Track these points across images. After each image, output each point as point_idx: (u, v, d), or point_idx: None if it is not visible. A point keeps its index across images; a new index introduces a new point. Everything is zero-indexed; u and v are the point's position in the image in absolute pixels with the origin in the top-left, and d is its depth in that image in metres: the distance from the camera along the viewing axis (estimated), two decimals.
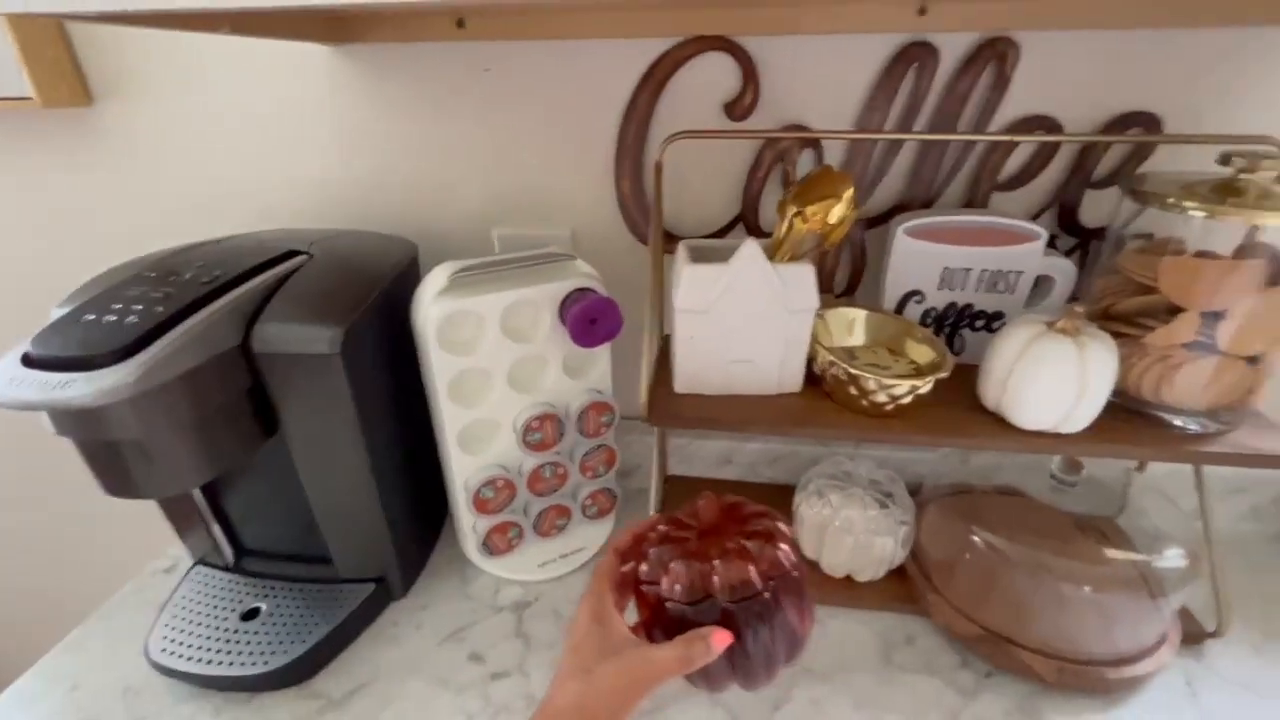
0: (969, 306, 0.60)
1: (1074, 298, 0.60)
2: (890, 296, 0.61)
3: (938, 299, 0.60)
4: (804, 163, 0.64)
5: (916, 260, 0.59)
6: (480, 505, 0.61)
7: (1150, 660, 0.55)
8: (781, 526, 0.41)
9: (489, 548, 0.65)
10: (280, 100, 0.69)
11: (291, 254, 0.56)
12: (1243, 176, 0.47)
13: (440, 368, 0.56)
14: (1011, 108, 0.59)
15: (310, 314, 0.50)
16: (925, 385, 0.51)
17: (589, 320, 0.57)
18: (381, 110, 0.68)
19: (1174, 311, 0.49)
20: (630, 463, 0.79)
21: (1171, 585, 0.55)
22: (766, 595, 0.37)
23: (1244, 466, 0.51)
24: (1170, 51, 0.56)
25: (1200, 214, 0.46)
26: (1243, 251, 0.48)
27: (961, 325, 0.61)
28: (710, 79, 0.62)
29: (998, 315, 0.60)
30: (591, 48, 0.62)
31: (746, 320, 0.54)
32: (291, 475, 0.56)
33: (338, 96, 0.68)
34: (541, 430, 0.61)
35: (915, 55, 0.58)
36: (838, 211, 0.52)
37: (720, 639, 0.36)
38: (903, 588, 0.64)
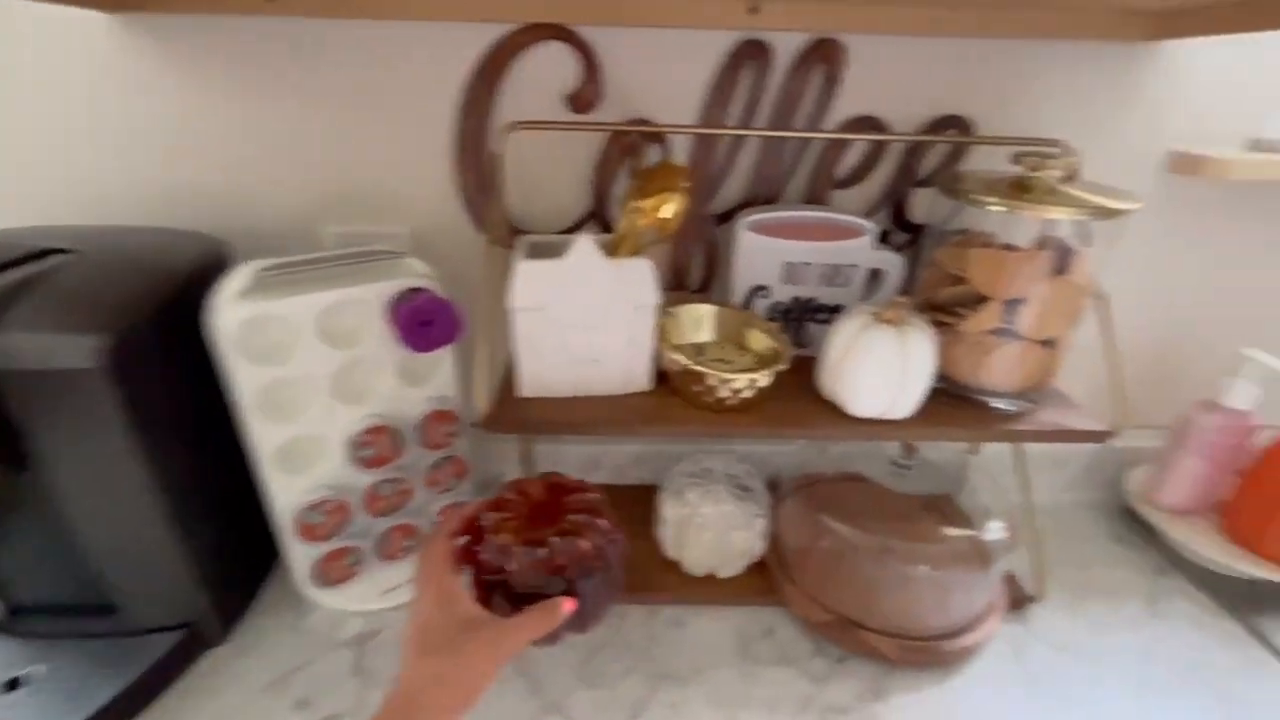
0: (812, 300, 0.62)
1: (906, 290, 0.63)
2: (738, 291, 0.62)
3: (783, 293, 0.61)
4: (652, 158, 0.63)
5: (760, 255, 0.59)
6: (307, 531, 0.55)
7: (980, 630, 0.58)
8: (596, 496, 0.48)
9: (322, 577, 0.58)
10: (51, 77, 0.59)
11: (48, 253, 0.47)
12: (1032, 175, 0.50)
13: (244, 380, 0.49)
14: (843, 108, 0.62)
15: (65, 321, 0.43)
16: (763, 378, 0.51)
17: (421, 322, 0.52)
18: (181, 93, 0.59)
19: (982, 301, 0.52)
20: (495, 471, 0.75)
21: (996, 555, 0.58)
22: (599, 562, 0.43)
23: (1048, 441, 0.55)
24: (978, 59, 0.60)
25: (999, 209, 0.49)
26: (1038, 244, 0.52)
27: (806, 318, 0.63)
28: (551, 69, 0.59)
29: (838, 308, 0.62)
30: (422, 31, 0.57)
31: (587, 318, 0.52)
32: (62, 516, 0.48)
33: (123, 75, 0.59)
34: (375, 444, 0.55)
35: (751, 53, 0.59)
36: (673, 205, 0.51)
37: (568, 605, 0.41)
38: (763, 580, 0.64)
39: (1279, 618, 0.63)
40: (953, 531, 0.61)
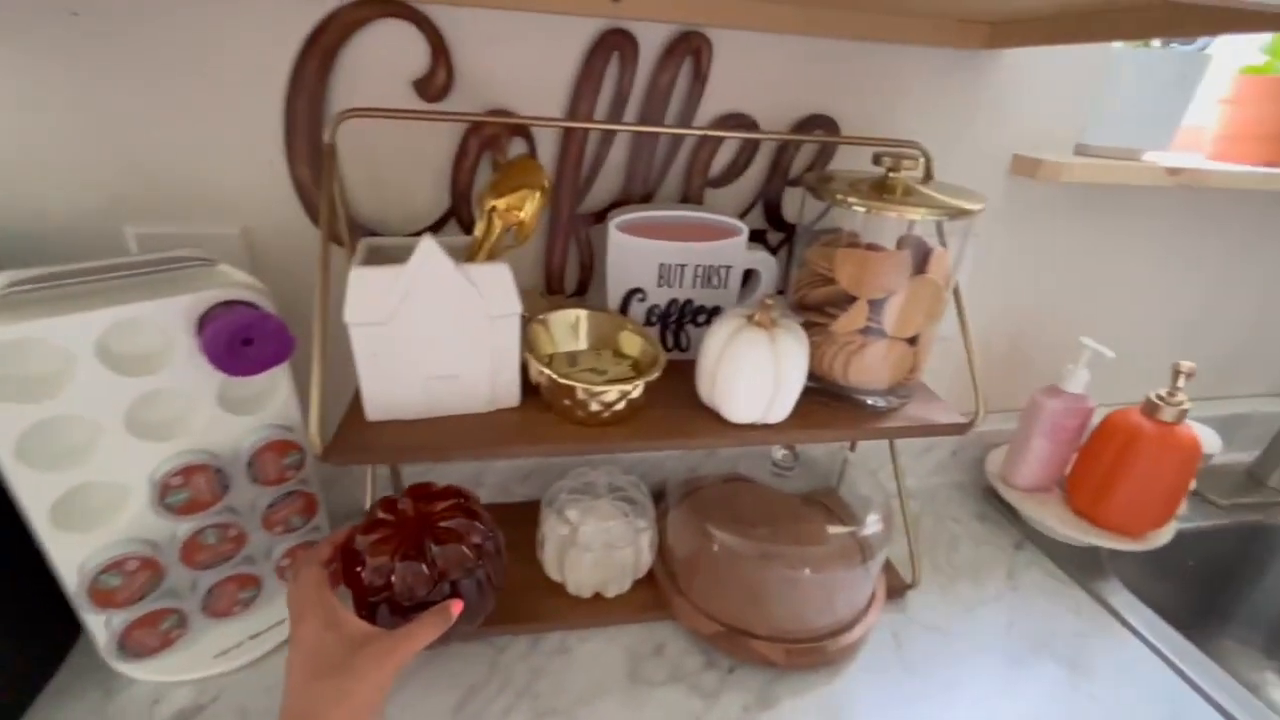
0: (689, 302, 0.60)
1: (781, 290, 0.63)
2: (613, 295, 0.58)
3: (659, 296, 0.59)
4: (516, 152, 0.59)
5: (632, 257, 0.56)
6: (102, 598, 0.46)
7: (862, 624, 0.59)
8: (468, 497, 0.49)
9: (130, 649, 0.49)
10: None
11: None
12: (891, 175, 0.51)
13: None
14: (713, 105, 0.60)
15: None
16: (635, 390, 0.48)
17: (240, 341, 0.45)
18: None
19: (851, 300, 0.52)
20: (357, 500, 0.67)
21: (875, 548, 0.59)
22: (479, 561, 0.45)
23: (916, 436, 0.56)
24: (842, 60, 0.61)
25: (862, 209, 0.49)
26: (900, 243, 0.52)
27: (685, 321, 0.61)
28: (394, 52, 0.53)
29: (716, 309, 0.60)
30: (236, 2, 0.49)
31: (440, 330, 0.46)
32: None
33: None
34: (188, 487, 0.47)
35: (615, 43, 0.55)
36: (530, 204, 0.46)
37: (456, 607, 0.43)
38: (652, 595, 0.62)
39: (1118, 581, 0.70)
40: (834, 530, 0.62)
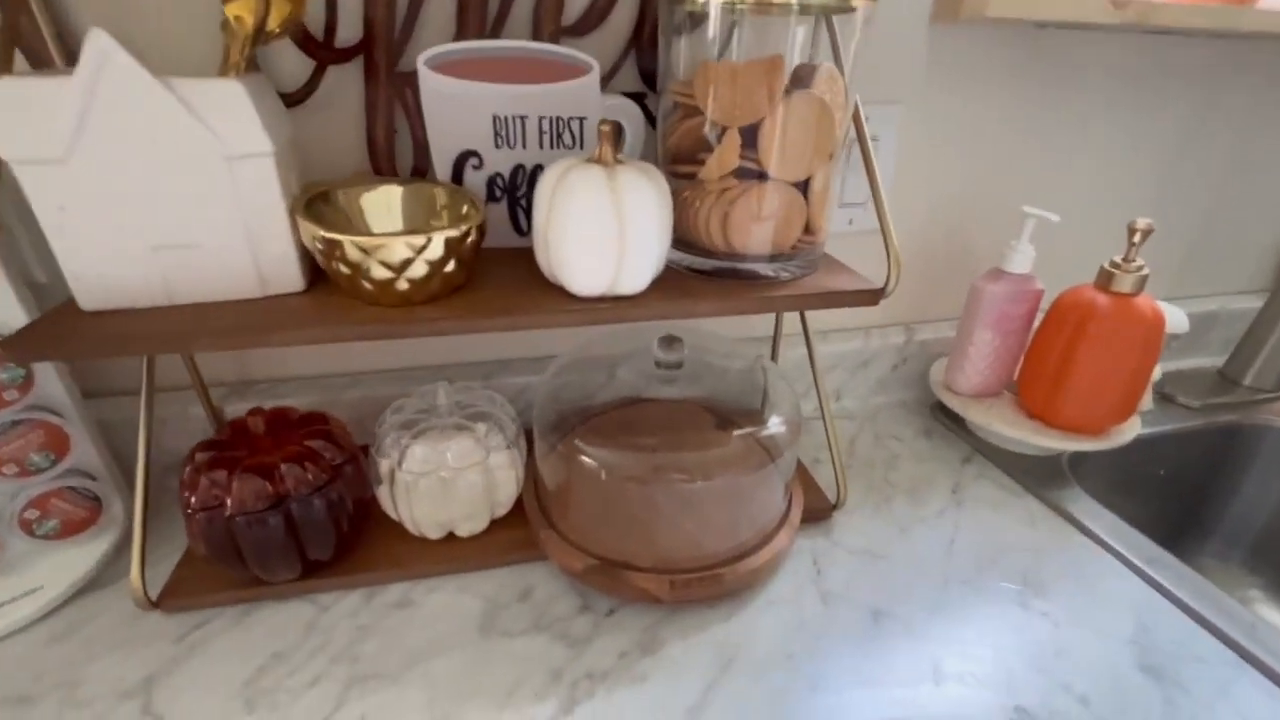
0: (539, 169, 0.48)
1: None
2: (440, 162, 0.47)
3: (499, 161, 0.47)
4: None
5: (455, 106, 0.45)
6: None
7: (769, 548, 0.48)
8: (326, 416, 0.48)
9: None
10: None
11: None
12: None
13: None
14: None
15: None
16: (430, 245, 0.36)
17: None
18: None
19: (721, 134, 0.41)
20: (172, 445, 0.56)
21: (779, 451, 0.49)
22: (332, 482, 0.44)
23: (813, 308, 0.46)
24: None
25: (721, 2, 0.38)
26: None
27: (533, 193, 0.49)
28: None
29: None
30: None
31: (152, 176, 0.34)
32: None
33: None
34: None
35: None
36: (277, 10, 0.35)
37: None
38: (521, 533, 0.51)
39: (1079, 489, 0.60)
40: (731, 433, 0.51)
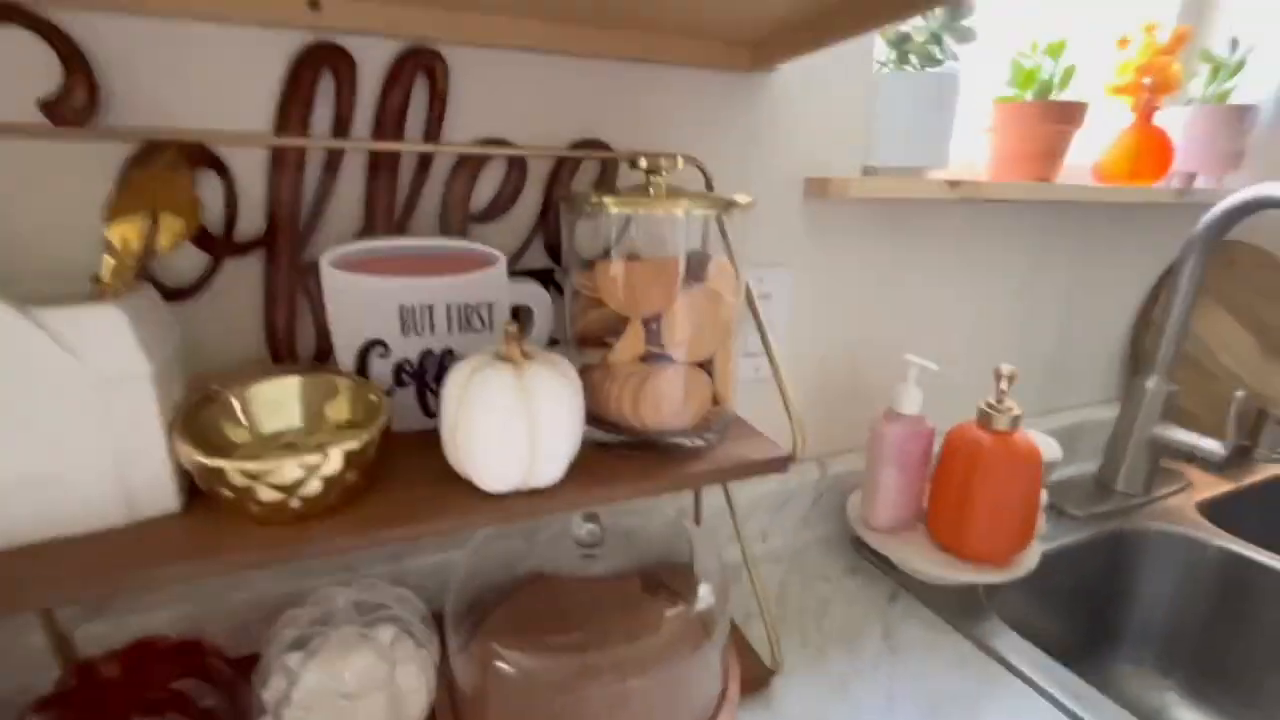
0: (449, 353, 0.48)
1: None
2: (345, 353, 0.46)
3: (406, 348, 0.47)
4: (209, 189, 0.47)
5: (359, 300, 0.45)
6: None
7: None
8: (201, 643, 0.43)
9: None
10: None
11: None
12: (652, 178, 0.44)
13: None
14: (461, 132, 0.52)
15: None
16: (326, 463, 0.34)
17: None
18: None
19: (624, 323, 0.43)
20: (18, 682, 0.47)
21: (713, 626, 0.47)
22: None
23: (726, 480, 0.47)
24: (610, 82, 0.56)
25: (616, 209, 0.42)
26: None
27: (443, 378, 0.49)
28: (11, 67, 0.41)
29: None
30: None
31: (11, 410, 0.31)
32: None
33: None
34: None
35: (325, 58, 0.47)
36: (138, 231, 0.34)
37: None
38: None
39: (998, 619, 0.62)
40: (663, 613, 0.49)
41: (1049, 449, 0.65)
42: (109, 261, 0.35)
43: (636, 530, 0.56)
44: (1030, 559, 0.63)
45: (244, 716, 0.41)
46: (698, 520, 0.65)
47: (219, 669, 0.41)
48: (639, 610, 0.51)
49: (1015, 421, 0.60)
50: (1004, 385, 0.60)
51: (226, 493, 0.34)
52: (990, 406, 0.61)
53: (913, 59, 0.68)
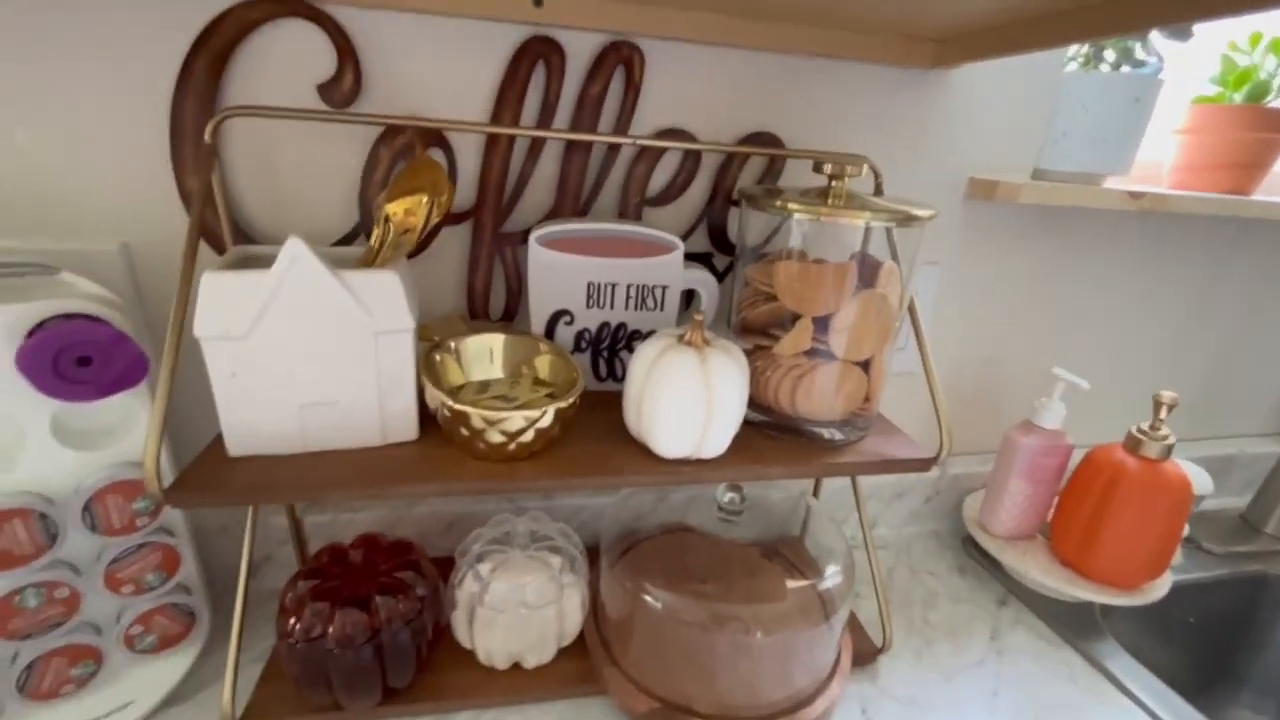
0: (623, 326, 0.54)
1: (727, 316, 0.57)
2: (537, 318, 0.53)
3: (588, 319, 0.53)
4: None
5: (556, 274, 0.51)
6: None
7: (824, 697, 0.50)
8: (413, 544, 0.52)
9: None
10: None
11: None
12: (835, 183, 0.47)
13: None
14: (648, 120, 0.56)
15: None
16: (543, 417, 0.41)
17: (74, 360, 0.38)
18: None
19: (795, 319, 0.47)
20: (259, 553, 0.60)
21: (837, 603, 0.52)
22: (420, 613, 0.47)
23: (872, 473, 0.50)
24: (787, 76, 0.58)
25: (802, 215, 0.45)
26: (845, 257, 0.48)
27: (618, 348, 0.55)
28: (295, 54, 0.49)
29: (652, 334, 0.54)
30: None
31: (313, 348, 0.40)
32: None
33: None
34: None
35: (540, 50, 0.52)
36: (422, 209, 0.41)
37: None
38: (583, 665, 0.53)
39: (1114, 641, 0.62)
40: (793, 584, 0.54)
41: (1200, 482, 0.63)
42: (382, 232, 0.43)
43: (761, 502, 0.61)
44: (1161, 588, 0.62)
45: (441, 607, 0.51)
46: (816, 492, 0.68)
47: (427, 566, 0.50)
48: (759, 575, 0.56)
49: (1168, 450, 0.59)
50: (1163, 414, 0.58)
51: (464, 431, 0.41)
52: (1143, 432, 0.59)
53: (1108, 55, 0.64)
